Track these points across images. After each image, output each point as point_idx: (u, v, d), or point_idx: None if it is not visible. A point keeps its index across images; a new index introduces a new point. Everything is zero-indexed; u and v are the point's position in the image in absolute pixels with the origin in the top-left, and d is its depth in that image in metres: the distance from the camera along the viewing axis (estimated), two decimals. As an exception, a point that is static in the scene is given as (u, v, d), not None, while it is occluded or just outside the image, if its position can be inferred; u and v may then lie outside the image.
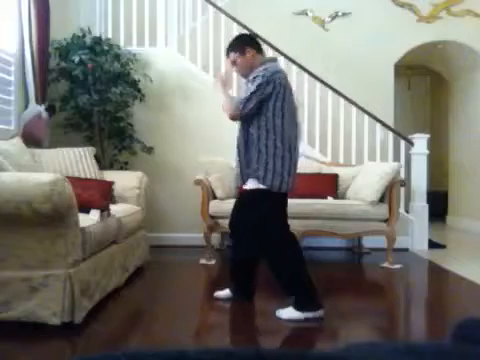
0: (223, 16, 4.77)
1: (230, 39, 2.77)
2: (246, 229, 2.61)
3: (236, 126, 2.66)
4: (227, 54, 2.71)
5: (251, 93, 2.44)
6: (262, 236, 2.52)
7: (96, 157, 3.88)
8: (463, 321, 0.72)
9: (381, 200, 3.93)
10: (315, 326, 2.42)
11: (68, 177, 2.48)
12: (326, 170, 4.45)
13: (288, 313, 2.43)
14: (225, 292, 2.85)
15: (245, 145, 2.52)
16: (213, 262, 3.90)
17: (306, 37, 5.38)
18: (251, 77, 2.52)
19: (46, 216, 2.14)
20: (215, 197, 3.98)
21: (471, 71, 6.24)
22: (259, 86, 2.43)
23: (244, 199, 2.63)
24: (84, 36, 4.25)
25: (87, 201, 2.65)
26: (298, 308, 2.42)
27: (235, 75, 3.06)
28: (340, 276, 3.66)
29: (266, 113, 2.45)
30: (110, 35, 4.68)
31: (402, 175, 4.59)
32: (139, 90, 4.45)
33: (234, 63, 2.67)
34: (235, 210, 2.73)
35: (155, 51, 4.78)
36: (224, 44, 4.76)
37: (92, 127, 4.35)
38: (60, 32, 4.22)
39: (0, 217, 2.14)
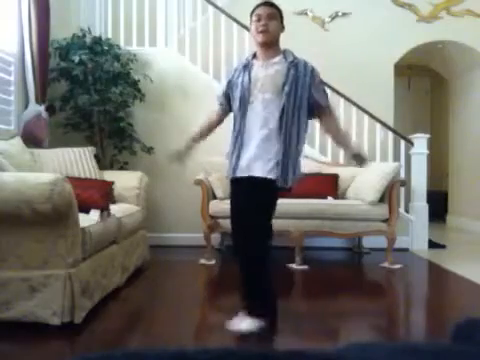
0: (223, 16, 4.77)
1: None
2: None
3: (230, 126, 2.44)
4: (266, 4, 2.33)
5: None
6: None
7: (96, 157, 3.88)
8: (463, 321, 0.72)
9: (381, 200, 3.93)
10: (315, 326, 2.42)
11: (68, 177, 2.48)
12: (326, 170, 4.45)
13: None
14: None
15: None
16: (213, 262, 3.90)
17: (306, 37, 5.37)
18: (293, 61, 2.29)
19: (46, 216, 2.14)
20: (215, 197, 3.98)
21: (471, 71, 6.24)
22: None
23: None
24: (84, 36, 4.26)
25: (87, 201, 2.65)
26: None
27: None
28: (340, 276, 3.65)
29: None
30: (110, 35, 4.68)
31: (402, 175, 4.60)
32: (139, 90, 4.45)
33: (270, 18, 2.29)
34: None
35: (155, 51, 4.78)
36: (224, 44, 4.80)
37: (92, 127, 4.35)
38: (60, 32, 4.22)
39: (0, 217, 2.14)
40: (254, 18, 2.32)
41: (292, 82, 2.25)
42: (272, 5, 2.36)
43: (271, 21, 2.29)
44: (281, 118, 2.23)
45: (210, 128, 2.56)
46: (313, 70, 2.31)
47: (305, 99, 2.28)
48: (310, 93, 2.28)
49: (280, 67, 2.29)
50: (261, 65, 2.32)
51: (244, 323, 2.21)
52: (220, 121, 2.57)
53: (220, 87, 2.57)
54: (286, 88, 2.23)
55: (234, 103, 2.38)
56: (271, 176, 2.19)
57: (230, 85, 2.42)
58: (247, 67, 2.36)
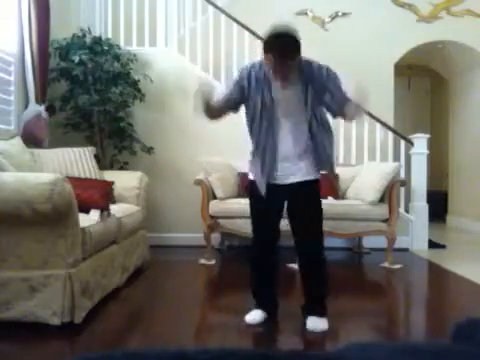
0: (223, 16, 4.77)
1: (287, 40, 2.17)
2: None
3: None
4: (293, 56, 2.16)
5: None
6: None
7: (96, 157, 3.88)
8: (463, 321, 0.72)
9: (381, 200, 3.93)
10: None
11: (68, 177, 2.48)
12: (326, 170, 4.45)
13: None
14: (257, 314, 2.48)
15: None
16: (213, 262, 3.90)
17: (306, 37, 5.31)
18: (307, 73, 2.26)
19: (46, 216, 2.14)
20: (215, 197, 3.98)
21: (471, 71, 6.24)
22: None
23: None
24: (84, 36, 4.26)
25: (87, 201, 2.65)
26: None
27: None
28: (340, 276, 3.65)
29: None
30: (110, 35, 4.68)
31: (402, 175, 4.59)
32: (139, 90, 4.45)
33: (289, 65, 2.17)
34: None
35: (155, 51, 4.78)
36: (224, 44, 4.80)
37: (92, 127, 4.35)
38: (60, 32, 4.22)
39: (0, 217, 2.14)
40: (270, 57, 2.14)
41: (313, 94, 2.26)
42: (291, 43, 2.15)
43: (290, 66, 2.16)
44: (310, 131, 2.32)
45: (221, 110, 2.39)
46: (328, 69, 2.29)
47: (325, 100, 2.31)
48: (332, 94, 2.28)
49: (298, 85, 2.26)
50: (279, 87, 2.25)
51: (319, 323, 2.31)
52: (227, 109, 2.39)
53: (227, 83, 2.46)
54: (309, 102, 2.27)
55: (249, 111, 2.32)
56: (313, 177, 2.50)
57: (246, 83, 2.27)
58: (265, 81, 2.25)
